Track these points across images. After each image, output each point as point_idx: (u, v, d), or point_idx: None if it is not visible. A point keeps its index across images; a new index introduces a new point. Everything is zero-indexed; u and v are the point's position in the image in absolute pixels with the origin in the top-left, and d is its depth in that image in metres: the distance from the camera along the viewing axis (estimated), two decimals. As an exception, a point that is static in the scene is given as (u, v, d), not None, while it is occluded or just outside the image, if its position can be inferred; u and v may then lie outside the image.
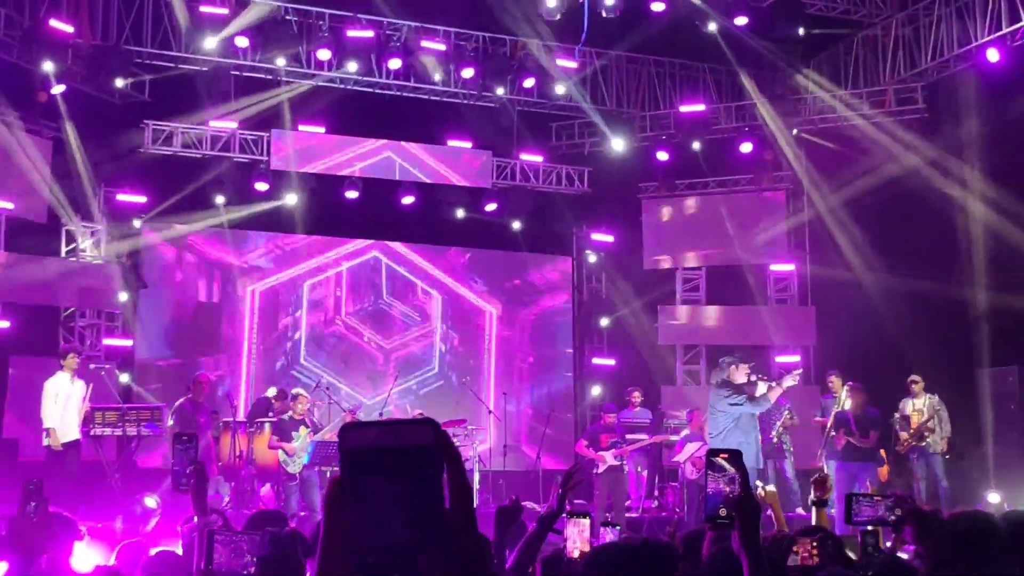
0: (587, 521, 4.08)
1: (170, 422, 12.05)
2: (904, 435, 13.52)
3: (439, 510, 0.97)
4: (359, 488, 0.97)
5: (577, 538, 4.02)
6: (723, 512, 2.42)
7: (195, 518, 3.82)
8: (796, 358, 17.36)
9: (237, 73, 15.60)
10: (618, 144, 17.13)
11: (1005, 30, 13.94)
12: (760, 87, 17.19)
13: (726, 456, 2.49)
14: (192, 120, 15.80)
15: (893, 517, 3.55)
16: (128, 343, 15.61)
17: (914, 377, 13.60)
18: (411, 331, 17.71)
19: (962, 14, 14.60)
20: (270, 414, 13.43)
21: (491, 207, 17.43)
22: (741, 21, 15.28)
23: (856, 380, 13.94)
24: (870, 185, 15.60)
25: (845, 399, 13.59)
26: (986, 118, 14.24)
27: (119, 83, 14.65)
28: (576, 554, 3.92)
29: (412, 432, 0.98)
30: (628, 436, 13.61)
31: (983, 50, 14.16)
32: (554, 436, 16.05)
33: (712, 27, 15.48)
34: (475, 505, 0.98)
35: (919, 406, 13.49)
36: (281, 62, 15.38)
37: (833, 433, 12.48)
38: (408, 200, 16.95)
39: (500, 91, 16.42)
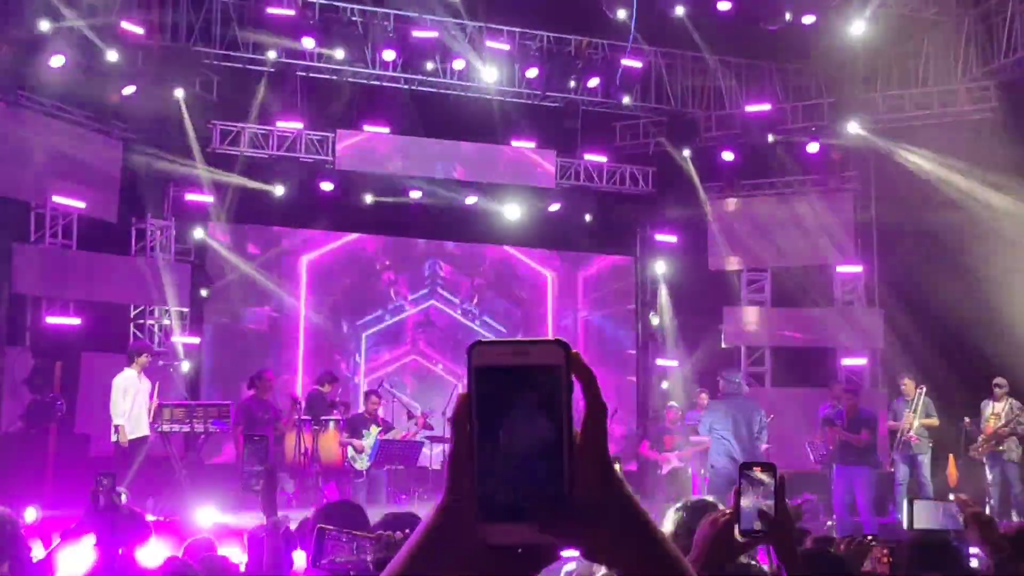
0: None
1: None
2: (980, 439, 13.29)
3: (568, 430, 0.95)
4: (486, 405, 0.95)
5: None
6: (758, 525, 2.40)
7: (264, 520, 3.84)
8: (863, 361, 17.16)
9: (303, 74, 15.73)
10: (681, 144, 17.01)
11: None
12: (828, 86, 16.98)
13: (761, 469, 2.47)
14: (259, 120, 15.97)
15: (954, 523, 3.49)
16: (195, 340, 15.81)
17: (999, 380, 13.32)
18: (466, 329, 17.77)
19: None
20: (328, 403, 13.47)
21: (555, 207, 17.40)
22: (809, 19, 15.10)
23: (925, 382, 13.79)
24: (942, 183, 15.35)
25: (920, 402, 13.45)
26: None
27: (187, 83, 14.83)
28: None
29: (542, 351, 0.96)
30: (692, 438, 13.51)
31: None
32: (617, 437, 15.99)
33: (779, 26, 15.30)
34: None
35: (998, 410, 13.25)
36: (347, 62, 15.45)
37: (826, 429, 12.60)
38: (471, 200, 16.99)
39: (572, 83, 16.22)
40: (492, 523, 0.94)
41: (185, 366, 15.27)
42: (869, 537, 3.84)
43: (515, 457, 0.94)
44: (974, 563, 3.96)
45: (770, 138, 16.79)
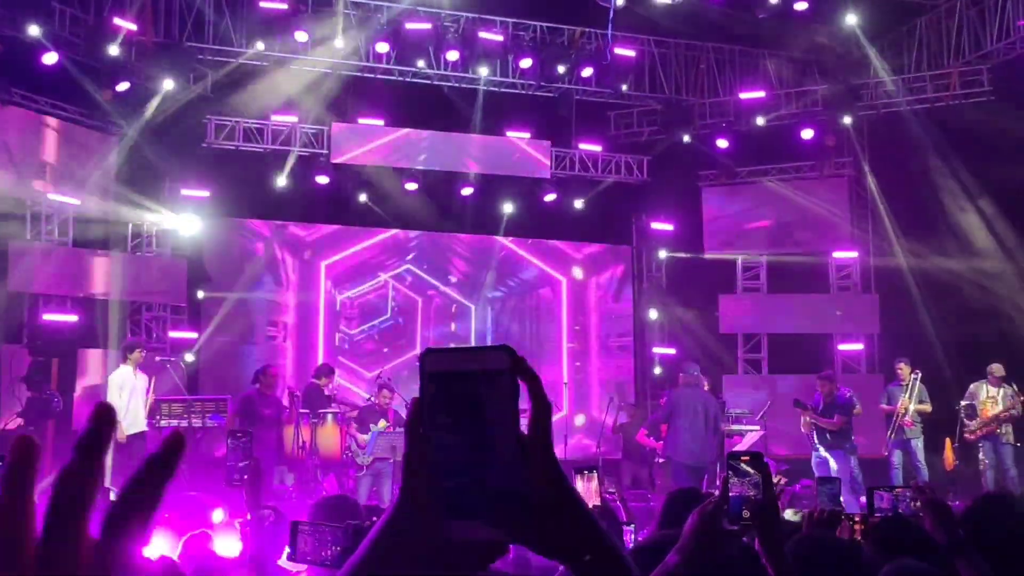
0: (595, 474, 4.23)
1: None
2: (973, 423, 13.36)
3: (513, 432, 1.00)
4: (438, 409, 1.01)
5: (589, 491, 4.19)
6: (746, 515, 2.45)
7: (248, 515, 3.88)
8: (859, 346, 17.22)
9: (296, 67, 15.75)
10: (676, 132, 17.05)
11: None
12: (821, 72, 17.01)
13: (747, 459, 2.51)
14: (253, 115, 16.00)
15: (908, 508, 3.56)
16: (194, 335, 15.85)
17: (993, 366, 13.41)
18: (463, 320, 17.81)
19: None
20: (326, 396, 13.51)
21: (550, 197, 17.44)
22: (801, 6, 15.12)
23: (920, 368, 13.87)
24: (936, 167, 15.40)
25: (915, 387, 13.54)
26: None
27: (181, 79, 14.83)
28: (589, 506, 4.04)
29: (489, 357, 1.02)
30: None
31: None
32: (616, 424, 16.04)
33: (772, 12, 15.33)
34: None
35: (993, 394, 13.32)
36: (341, 44, 15.44)
37: (808, 419, 12.71)
38: (467, 191, 17.03)
39: (561, 70, 16.22)
40: (447, 520, 0.99)
41: (189, 357, 15.29)
42: (837, 509, 3.92)
43: (466, 457, 1.00)
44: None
45: (760, 121, 16.79)
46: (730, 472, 2.50)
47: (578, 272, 18.57)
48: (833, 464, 12.65)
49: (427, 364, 1.02)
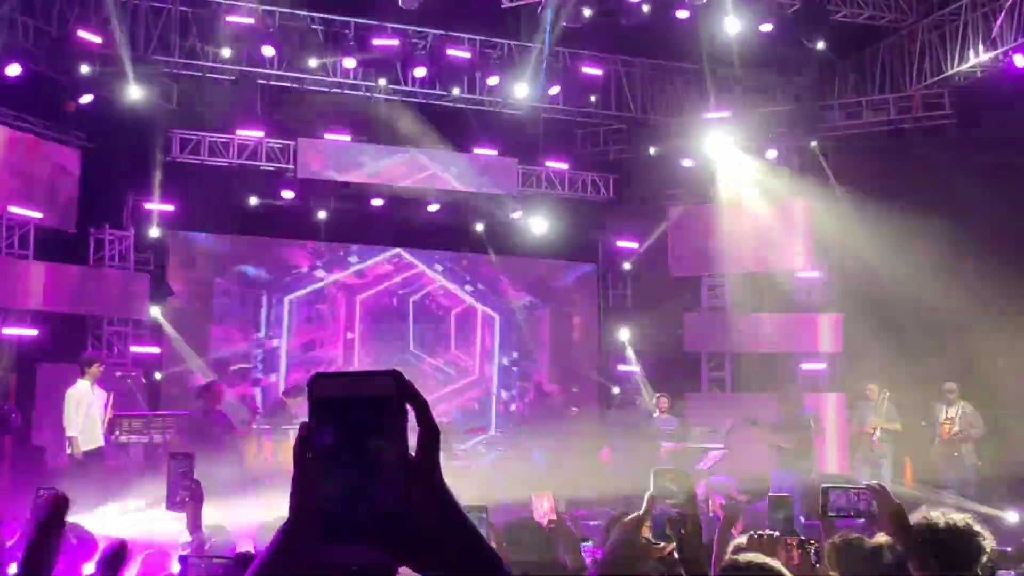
0: (550, 492, 4.28)
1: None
2: (936, 442, 13.50)
3: (400, 456, 1.01)
4: (325, 436, 1.01)
5: (544, 509, 4.22)
6: (669, 531, 2.47)
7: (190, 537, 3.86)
8: (822, 365, 17.30)
9: (263, 82, 15.71)
10: (643, 151, 17.15)
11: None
12: (786, 93, 17.16)
13: (673, 476, 2.54)
14: (219, 129, 15.95)
15: (867, 507, 3.58)
16: (155, 350, 15.74)
17: (949, 385, 13.56)
18: (435, 341, 17.78)
19: (988, 19, 14.50)
20: (291, 413, 13.46)
21: (516, 214, 17.46)
22: (766, 28, 15.24)
23: (885, 386, 13.98)
24: (896, 188, 15.53)
25: (884, 407, 13.65)
26: (1013, 123, 14.13)
27: (146, 92, 14.74)
28: (545, 522, 4.08)
29: (376, 382, 1.02)
30: (666, 444, 13.61)
31: (1010, 56, 14.06)
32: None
33: (734, 33, 15.45)
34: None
35: (951, 415, 13.45)
36: (316, 63, 15.41)
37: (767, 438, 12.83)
38: (434, 208, 17.02)
39: (524, 95, 16.31)
40: (332, 543, 0.99)
41: (157, 375, 15.17)
42: (776, 533, 3.93)
43: (353, 480, 1.00)
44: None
45: (728, 140, 16.92)
46: (656, 489, 2.52)
47: (542, 290, 18.59)
48: (790, 483, 12.67)
49: (315, 390, 1.03)
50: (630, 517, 2.45)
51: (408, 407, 1.02)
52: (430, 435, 1.04)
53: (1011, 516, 11.56)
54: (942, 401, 13.62)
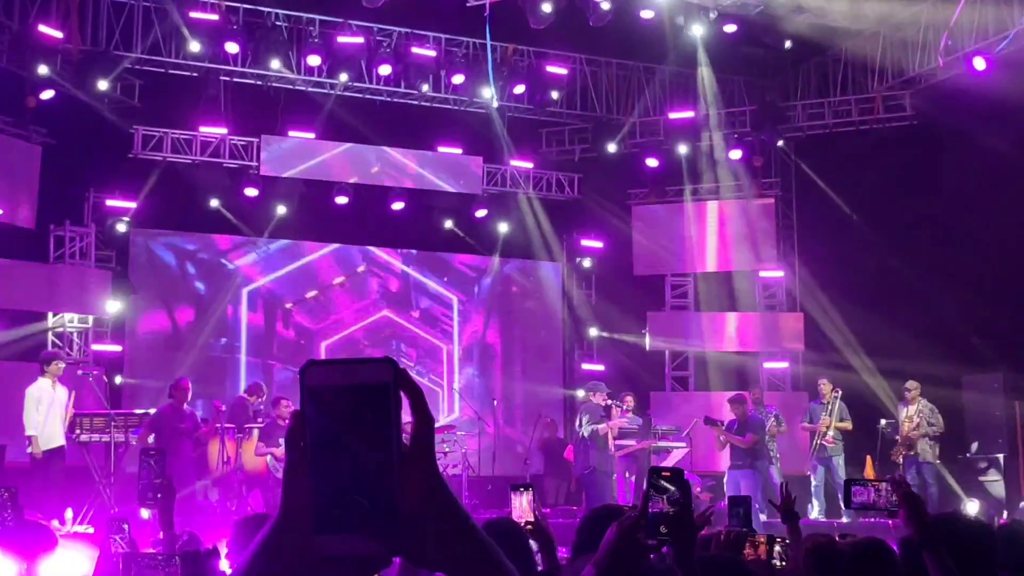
0: (531, 492, 4.29)
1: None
2: (898, 441, 13.64)
3: (394, 446, 0.99)
4: (319, 423, 1.00)
5: (524, 508, 4.24)
6: (663, 530, 2.48)
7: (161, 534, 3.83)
8: (784, 364, 17.43)
9: (227, 79, 15.62)
10: (607, 150, 17.21)
11: (992, 38, 14.02)
12: (750, 94, 17.29)
13: (668, 476, 2.55)
14: (182, 126, 15.82)
15: (888, 502, 3.63)
16: (117, 348, 15.59)
17: (909, 384, 13.70)
18: (400, 335, 17.73)
19: (949, 22, 14.66)
20: (251, 412, 13.43)
21: (481, 213, 17.46)
22: (730, 28, 15.33)
23: (843, 387, 14.13)
24: (860, 190, 15.69)
25: (835, 405, 13.78)
26: (972, 125, 14.30)
27: (107, 88, 14.60)
28: (522, 522, 4.10)
29: (371, 370, 1.01)
30: (616, 442, 13.64)
31: (970, 58, 14.22)
32: (543, 441, 16.10)
33: (699, 34, 15.54)
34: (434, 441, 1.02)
35: (911, 414, 13.59)
36: (272, 68, 15.36)
37: (721, 438, 13.04)
38: (398, 206, 16.97)
39: (489, 95, 16.38)
40: (326, 535, 0.99)
41: (118, 380, 15.02)
42: (745, 530, 3.97)
43: (347, 471, 0.99)
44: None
45: (683, 149, 17.05)
46: (651, 488, 2.52)
47: (508, 289, 18.59)
48: (745, 483, 12.75)
49: (308, 378, 1.01)
50: (626, 516, 2.46)
51: (403, 395, 1.01)
52: (425, 424, 1.03)
53: (972, 506, 11.74)
54: (902, 401, 13.76)
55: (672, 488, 2.53)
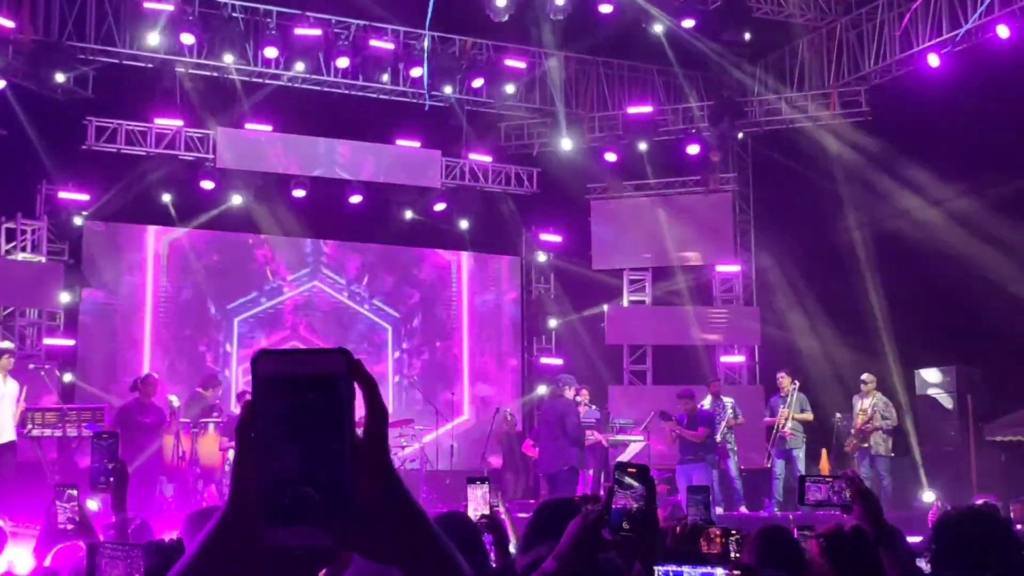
0: (486, 486, 4.29)
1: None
2: (851, 434, 13.77)
3: (347, 437, 0.97)
4: (270, 415, 0.98)
5: (479, 501, 4.23)
6: (626, 526, 2.47)
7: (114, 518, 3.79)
8: (741, 358, 17.55)
9: (182, 71, 15.46)
10: (565, 145, 17.24)
11: (945, 36, 14.18)
12: (707, 89, 17.36)
13: (634, 471, 2.54)
14: (136, 117, 15.65)
15: (842, 498, 3.65)
16: (70, 343, 15.40)
17: (865, 377, 13.83)
18: (357, 329, 17.65)
19: (904, 19, 14.81)
20: (207, 406, 13.31)
21: (440, 207, 17.42)
22: (688, 24, 15.39)
23: (800, 378, 14.24)
24: (815, 185, 15.82)
25: (794, 397, 13.89)
26: (926, 121, 14.48)
27: (60, 78, 14.41)
28: (477, 516, 4.09)
29: (325, 360, 0.99)
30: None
31: (924, 55, 14.38)
32: (501, 435, 16.08)
33: (659, 29, 15.59)
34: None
35: (865, 406, 13.71)
36: (228, 60, 15.24)
37: (674, 433, 13.12)
38: (356, 199, 16.88)
39: (448, 91, 16.40)
40: (276, 526, 0.97)
41: (68, 378, 14.82)
42: (705, 521, 3.99)
43: (298, 462, 0.97)
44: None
45: (643, 147, 17.11)
46: (615, 483, 2.51)
47: (466, 282, 18.57)
48: (697, 476, 12.82)
49: (260, 367, 0.98)
50: (591, 510, 2.44)
51: (356, 387, 0.99)
52: (378, 416, 1.01)
53: (928, 496, 11.89)
54: (858, 393, 13.89)
55: (637, 484, 2.52)
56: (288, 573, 0.99)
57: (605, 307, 17.88)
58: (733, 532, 4.25)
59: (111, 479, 3.88)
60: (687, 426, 13.00)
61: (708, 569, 2.73)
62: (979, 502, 7.28)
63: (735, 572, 2.72)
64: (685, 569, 2.83)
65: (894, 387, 14.39)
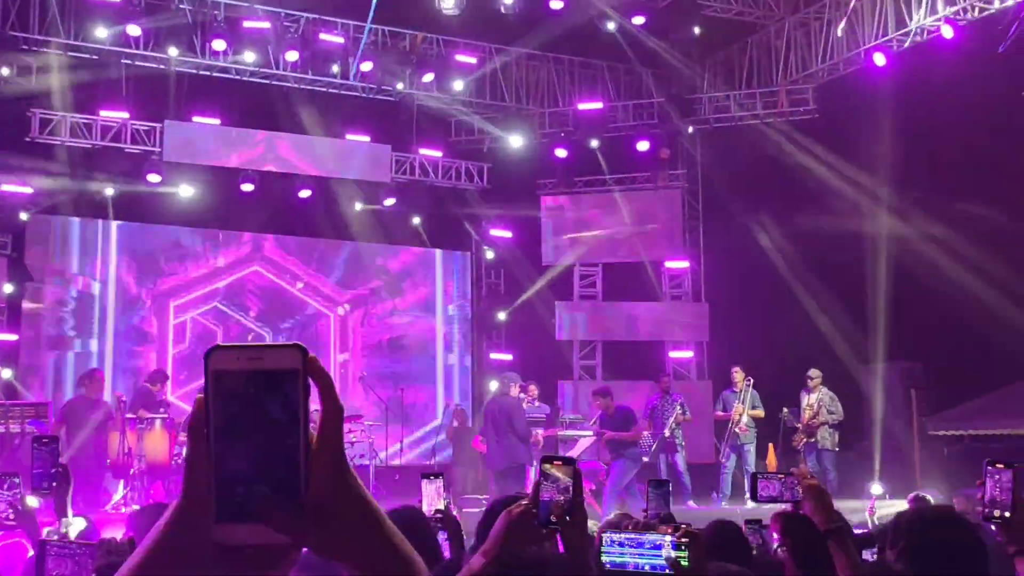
0: (440, 481, 4.29)
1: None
2: (799, 429, 13.91)
3: (304, 433, 0.96)
4: (222, 411, 0.96)
5: (433, 496, 4.24)
6: (553, 518, 2.48)
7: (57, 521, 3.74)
8: (689, 354, 17.68)
9: (128, 62, 15.25)
10: (516, 140, 17.25)
11: (891, 35, 14.35)
12: (656, 86, 17.44)
13: (559, 464, 2.55)
14: (82, 110, 15.43)
15: (794, 494, 3.69)
16: (12, 337, 15.16)
17: (811, 372, 14.00)
18: (303, 322, 17.55)
19: (851, 19, 14.97)
20: (155, 401, 13.16)
21: (390, 202, 17.35)
22: (638, 21, 15.46)
23: (751, 374, 14.37)
24: (763, 182, 15.95)
25: (747, 393, 14.02)
26: (872, 120, 14.63)
27: (4, 71, 14.18)
28: (431, 512, 4.10)
29: (280, 356, 0.97)
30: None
31: (870, 54, 14.54)
32: (452, 430, 16.08)
33: (611, 26, 15.63)
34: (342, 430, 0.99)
35: (812, 401, 13.87)
36: (175, 52, 15.05)
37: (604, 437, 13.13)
38: (305, 194, 16.78)
39: (400, 86, 16.34)
40: (228, 524, 0.96)
41: (7, 374, 14.58)
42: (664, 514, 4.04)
43: (251, 459, 0.96)
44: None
45: (594, 144, 17.15)
46: (541, 475, 2.52)
47: (416, 277, 18.53)
48: (621, 470, 12.90)
49: (212, 362, 0.97)
50: (517, 503, 2.45)
51: (312, 383, 0.98)
52: (334, 413, 1.00)
53: (876, 488, 12.04)
54: (805, 388, 14.06)
55: (562, 476, 2.53)
56: (240, 571, 0.98)
57: (555, 303, 17.92)
58: (683, 526, 4.29)
59: (54, 483, 3.82)
60: (608, 423, 13.05)
61: (654, 535, 2.76)
62: (912, 496, 7.37)
63: (683, 539, 2.74)
64: (626, 536, 2.86)
65: (840, 383, 14.55)
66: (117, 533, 5.60)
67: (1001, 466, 3.00)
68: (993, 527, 3.05)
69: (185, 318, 16.75)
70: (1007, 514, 2.97)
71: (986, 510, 3.00)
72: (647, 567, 2.84)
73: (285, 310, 17.43)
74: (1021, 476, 2.98)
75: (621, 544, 2.88)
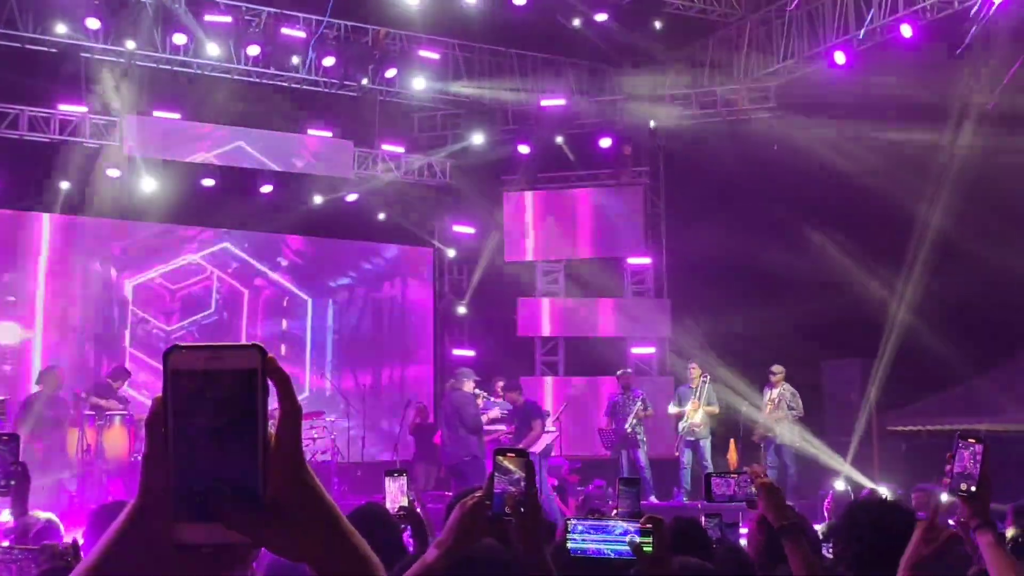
0: (404, 478, 4.30)
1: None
2: (759, 424, 14.04)
3: (262, 432, 0.97)
4: (181, 410, 0.97)
5: (396, 493, 4.25)
6: (508, 510, 2.50)
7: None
8: (651, 349, 17.75)
9: (88, 55, 15.09)
10: (479, 137, 17.26)
11: (852, 33, 14.46)
12: (619, 83, 17.48)
13: (512, 456, 2.56)
14: (40, 103, 15.26)
15: (747, 492, 3.73)
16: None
17: (773, 368, 14.13)
18: (267, 319, 17.48)
19: (812, 17, 15.08)
20: (117, 401, 13.07)
21: (352, 197, 17.30)
22: (601, 17, 15.49)
23: (710, 370, 14.47)
24: (726, 180, 16.03)
25: (703, 389, 14.12)
26: (832, 116, 14.76)
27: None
28: (395, 509, 4.11)
29: (238, 356, 0.98)
30: (486, 428, 13.68)
31: (831, 52, 14.65)
32: (414, 426, 16.06)
33: (576, 22, 15.66)
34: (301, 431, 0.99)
35: (773, 397, 13.99)
36: (134, 45, 14.90)
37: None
38: (266, 189, 16.69)
39: (363, 81, 16.26)
40: (186, 523, 0.96)
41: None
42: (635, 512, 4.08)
43: (210, 458, 0.97)
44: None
45: (559, 140, 17.19)
46: (495, 468, 2.54)
47: (378, 273, 18.50)
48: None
49: (171, 362, 0.98)
50: (471, 496, 2.46)
51: (270, 383, 0.99)
52: (291, 412, 1.01)
53: (839, 484, 12.18)
54: (767, 383, 14.18)
55: (514, 468, 2.55)
56: (197, 571, 0.98)
57: (518, 299, 17.95)
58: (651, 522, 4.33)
59: (12, 482, 3.78)
60: (516, 417, 13.12)
61: (618, 521, 2.79)
62: (867, 491, 7.47)
63: (646, 525, 2.77)
64: (592, 523, 2.90)
65: (800, 378, 14.67)
66: (77, 532, 5.56)
67: (972, 440, 3.04)
68: (958, 500, 3.08)
69: (146, 315, 16.62)
70: (973, 488, 3.01)
71: (952, 483, 3.03)
72: (611, 553, 2.88)
73: (247, 307, 17.33)
74: (990, 452, 3.02)
75: (586, 531, 2.91)
